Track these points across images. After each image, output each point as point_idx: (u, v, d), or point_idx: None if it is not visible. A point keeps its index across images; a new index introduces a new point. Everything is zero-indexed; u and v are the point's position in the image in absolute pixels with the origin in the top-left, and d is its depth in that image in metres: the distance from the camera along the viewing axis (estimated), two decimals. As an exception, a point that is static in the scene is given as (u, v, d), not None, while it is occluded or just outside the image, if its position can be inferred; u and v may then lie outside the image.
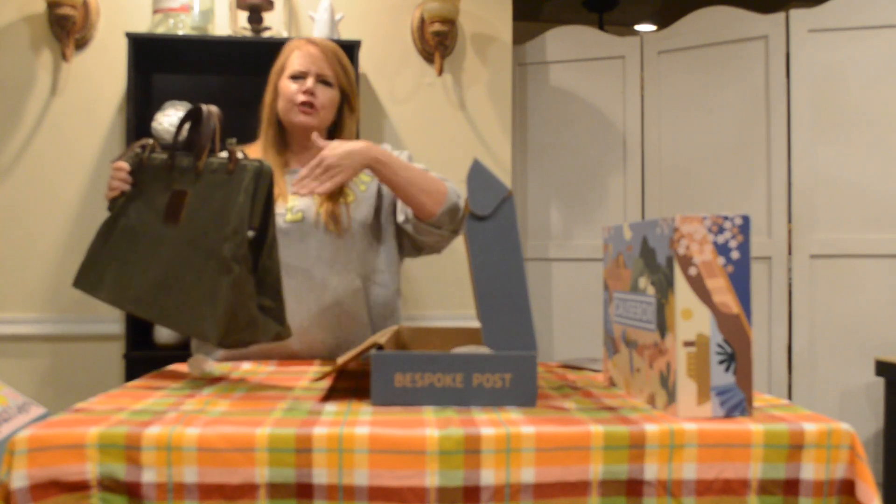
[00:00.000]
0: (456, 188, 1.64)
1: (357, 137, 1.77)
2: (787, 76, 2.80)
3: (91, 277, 1.37)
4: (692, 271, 1.00)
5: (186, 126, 1.37)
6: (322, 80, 1.65)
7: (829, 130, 2.76)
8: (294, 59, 1.66)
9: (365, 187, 1.70)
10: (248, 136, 1.76)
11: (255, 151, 1.68)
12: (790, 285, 2.78)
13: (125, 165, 1.38)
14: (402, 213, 1.67)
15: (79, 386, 2.55)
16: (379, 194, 1.71)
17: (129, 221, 1.36)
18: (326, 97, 1.66)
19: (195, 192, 1.31)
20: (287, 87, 1.65)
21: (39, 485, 0.89)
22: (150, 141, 1.40)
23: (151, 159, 1.38)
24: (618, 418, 0.99)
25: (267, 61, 1.75)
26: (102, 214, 2.68)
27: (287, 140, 1.72)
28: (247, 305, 1.24)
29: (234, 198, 1.27)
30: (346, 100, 1.71)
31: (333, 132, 1.73)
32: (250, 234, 1.27)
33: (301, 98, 1.63)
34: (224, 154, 1.35)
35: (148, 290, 1.30)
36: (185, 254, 1.28)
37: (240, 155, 1.31)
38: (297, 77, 1.65)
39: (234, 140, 1.30)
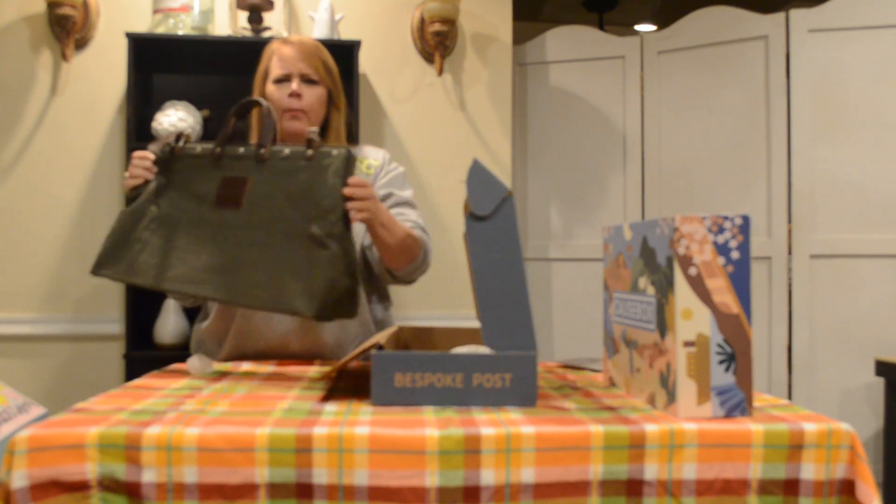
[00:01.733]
0: (428, 246, 1.64)
1: (351, 136, 1.77)
2: (787, 76, 2.80)
3: (117, 264, 1.39)
4: (692, 271, 1.00)
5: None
6: (306, 80, 1.63)
7: (829, 130, 2.76)
8: (275, 63, 1.64)
9: None
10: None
11: None
12: (790, 285, 2.78)
13: (149, 154, 1.41)
14: (369, 239, 1.64)
15: (79, 386, 2.55)
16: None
17: (161, 210, 1.39)
18: (313, 96, 1.64)
19: (259, 178, 1.36)
20: (273, 94, 1.63)
21: (39, 485, 0.89)
22: (186, 132, 1.43)
23: (188, 149, 1.41)
24: (618, 418, 0.99)
25: (267, 61, 1.75)
26: (102, 214, 2.66)
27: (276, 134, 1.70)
28: (343, 280, 1.30)
29: (322, 181, 1.33)
30: (331, 96, 1.69)
31: (323, 131, 1.71)
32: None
33: (288, 103, 1.62)
34: (290, 145, 1.39)
35: (205, 271, 1.34)
36: (258, 236, 1.33)
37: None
38: (281, 81, 1.63)
39: (315, 129, 1.36)
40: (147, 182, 1.41)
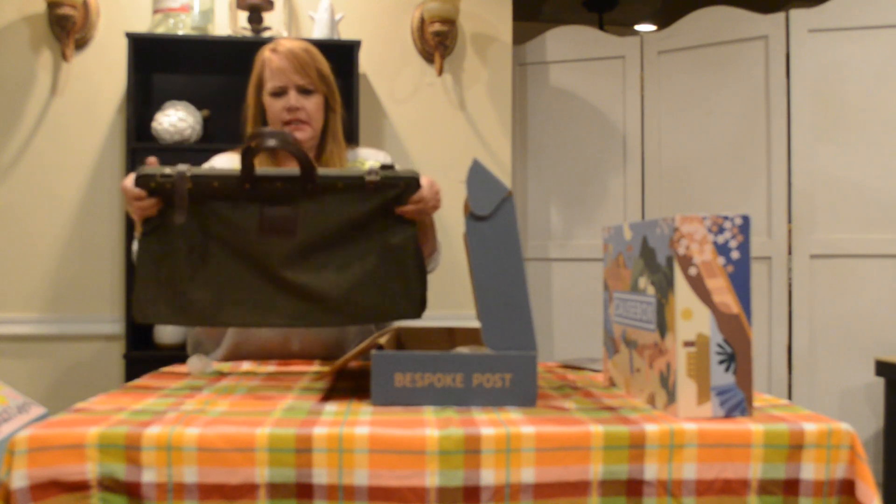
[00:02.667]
0: (440, 249, 1.66)
1: (351, 136, 1.76)
2: (787, 76, 2.80)
3: (162, 307, 1.31)
4: (692, 271, 1.00)
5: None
6: (301, 90, 1.62)
7: (829, 130, 2.76)
8: (268, 75, 1.62)
9: None
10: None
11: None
12: (790, 285, 2.78)
13: (141, 192, 1.28)
14: None
15: (79, 386, 2.55)
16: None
17: (192, 242, 1.31)
18: (312, 106, 1.63)
19: (312, 206, 1.32)
20: (272, 107, 1.62)
21: (39, 485, 0.89)
22: (183, 168, 1.29)
23: (202, 177, 1.29)
24: (618, 418, 0.99)
25: (267, 61, 1.74)
26: (102, 214, 2.65)
27: (277, 151, 1.70)
28: (424, 273, 1.40)
29: (395, 204, 1.34)
30: (327, 101, 1.67)
31: (322, 134, 1.71)
32: None
33: (287, 116, 1.61)
34: (339, 173, 1.36)
35: (271, 299, 1.32)
36: (320, 258, 1.33)
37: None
38: (278, 94, 1.62)
39: (376, 168, 1.36)
40: (160, 210, 1.30)
